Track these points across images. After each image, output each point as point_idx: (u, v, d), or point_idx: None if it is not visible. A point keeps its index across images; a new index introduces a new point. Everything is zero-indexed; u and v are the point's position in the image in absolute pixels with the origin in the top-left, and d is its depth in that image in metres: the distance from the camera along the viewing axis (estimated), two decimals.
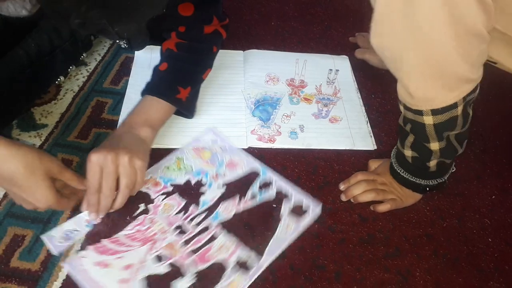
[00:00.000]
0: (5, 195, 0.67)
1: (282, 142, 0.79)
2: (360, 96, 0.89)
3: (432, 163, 0.65)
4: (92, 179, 0.61)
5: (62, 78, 0.82)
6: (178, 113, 0.77)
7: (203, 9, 0.79)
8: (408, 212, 0.71)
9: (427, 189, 0.70)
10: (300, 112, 0.85)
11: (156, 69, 0.76)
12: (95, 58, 0.90)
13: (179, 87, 0.74)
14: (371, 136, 0.82)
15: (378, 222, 0.70)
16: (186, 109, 0.77)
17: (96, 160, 0.61)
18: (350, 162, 0.77)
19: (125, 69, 0.89)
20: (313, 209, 0.69)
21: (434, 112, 0.58)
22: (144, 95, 0.73)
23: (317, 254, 0.65)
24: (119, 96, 0.83)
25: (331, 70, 0.94)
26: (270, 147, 0.78)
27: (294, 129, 0.81)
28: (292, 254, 0.64)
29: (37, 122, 0.77)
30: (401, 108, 0.63)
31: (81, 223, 0.64)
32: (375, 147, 0.80)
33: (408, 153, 0.67)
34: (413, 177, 0.68)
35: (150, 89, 0.73)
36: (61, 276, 0.59)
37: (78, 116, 0.79)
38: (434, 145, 0.62)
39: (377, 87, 0.92)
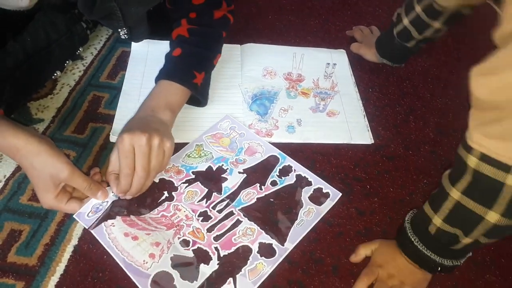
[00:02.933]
0: (1, 191, 0.66)
1: (280, 136, 0.79)
2: (357, 90, 0.89)
3: (468, 240, 0.52)
4: (127, 160, 0.60)
5: (58, 72, 0.82)
6: (191, 102, 0.77)
7: None
8: (404, 206, 0.72)
9: (439, 269, 0.58)
10: (298, 106, 0.84)
11: (169, 55, 0.76)
12: (92, 52, 0.90)
13: (195, 71, 0.74)
14: (368, 130, 0.82)
15: (375, 215, 0.70)
16: (201, 94, 0.77)
17: (130, 140, 0.60)
18: (348, 156, 0.77)
19: (122, 64, 0.88)
20: (333, 195, 0.70)
21: None
22: (159, 80, 0.73)
23: (315, 248, 0.65)
24: (116, 91, 0.83)
25: (328, 64, 0.93)
26: (267, 141, 0.77)
27: (292, 123, 0.81)
28: None
29: (33, 117, 0.77)
30: (472, 160, 0.47)
31: (109, 194, 0.65)
32: (372, 141, 0.80)
33: (438, 221, 0.54)
34: (429, 251, 0.57)
35: (166, 74, 0.73)
36: (59, 271, 0.59)
37: (75, 111, 0.79)
38: (493, 216, 0.48)
39: (375, 81, 0.92)
